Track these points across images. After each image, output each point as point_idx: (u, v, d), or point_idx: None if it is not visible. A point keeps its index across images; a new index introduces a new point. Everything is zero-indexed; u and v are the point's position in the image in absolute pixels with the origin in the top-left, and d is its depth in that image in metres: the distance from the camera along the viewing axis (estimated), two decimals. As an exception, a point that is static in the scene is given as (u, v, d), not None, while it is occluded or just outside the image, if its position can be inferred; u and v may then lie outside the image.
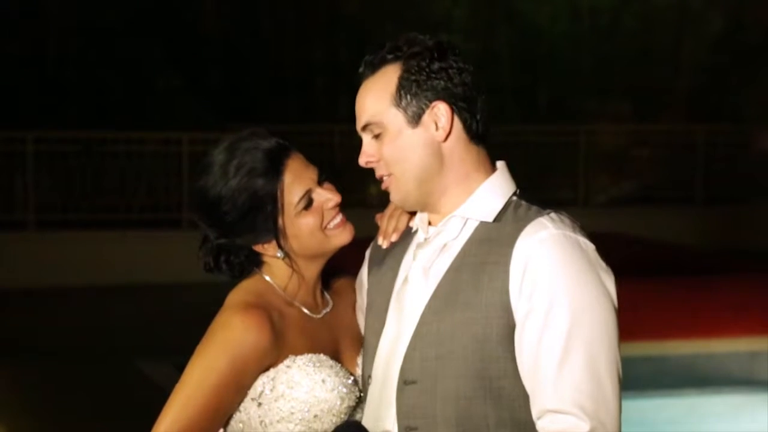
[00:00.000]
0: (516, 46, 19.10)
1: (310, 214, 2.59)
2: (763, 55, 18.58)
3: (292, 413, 2.53)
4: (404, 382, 2.43)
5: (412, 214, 2.60)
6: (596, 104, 19.11)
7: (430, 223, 2.53)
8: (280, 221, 2.57)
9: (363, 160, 2.49)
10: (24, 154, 13.89)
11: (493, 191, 2.47)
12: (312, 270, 2.64)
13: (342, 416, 2.56)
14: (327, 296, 2.71)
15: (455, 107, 2.43)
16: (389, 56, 2.45)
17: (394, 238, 2.60)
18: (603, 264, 2.40)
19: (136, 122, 16.03)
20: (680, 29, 19.65)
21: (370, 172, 2.50)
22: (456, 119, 2.44)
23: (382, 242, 2.61)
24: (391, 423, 2.45)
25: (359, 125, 2.48)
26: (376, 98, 2.45)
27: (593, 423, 2.31)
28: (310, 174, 2.60)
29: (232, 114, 16.71)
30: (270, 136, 2.61)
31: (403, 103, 2.43)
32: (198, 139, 14.03)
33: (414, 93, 2.42)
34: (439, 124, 2.43)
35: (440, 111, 2.43)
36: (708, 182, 16.46)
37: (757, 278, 11.72)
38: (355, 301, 2.75)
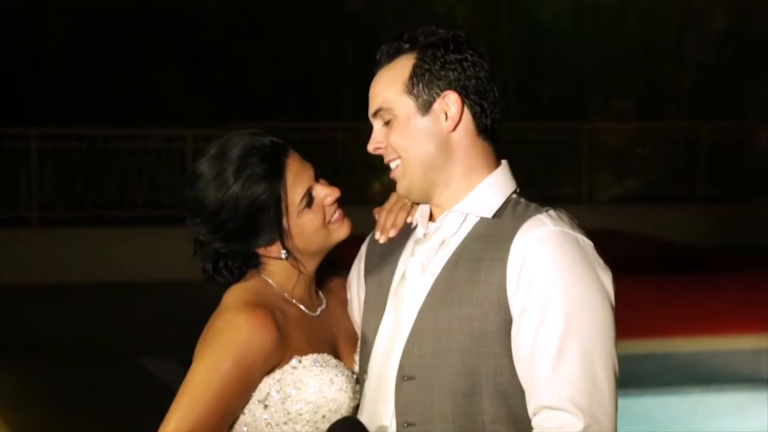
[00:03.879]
0: (519, 44, 19.09)
1: (312, 211, 2.57)
2: (766, 53, 18.56)
3: (300, 414, 2.50)
4: (403, 378, 2.43)
5: (412, 209, 2.59)
6: (600, 102, 19.10)
7: (431, 219, 2.52)
8: (284, 222, 2.55)
9: (371, 146, 2.49)
10: (28, 150, 13.87)
11: (494, 187, 2.47)
12: (311, 267, 2.62)
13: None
14: (321, 294, 2.69)
15: (466, 99, 2.44)
16: (405, 45, 2.46)
17: (392, 233, 2.58)
18: (601, 261, 2.41)
19: (139, 119, 16.03)
20: (684, 26, 19.63)
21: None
22: (466, 111, 2.44)
23: (380, 237, 2.59)
24: (389, 418, 2.45)
25: (370, 111, 2.50)
26: (389, 85, 2.46)
27: (587, 420, 2.31)
28: (309, 171, 2.58)
29: (235, 111, 16.71)
30: (264, 135, 2.58)
31: (415, 90, 2.44)
32: (202, 136, 14.01)
33: (426, 81, 2.43)
34: (449, 114, 2.44)
35: (450, 100, 2.43)
36: (711, 180, 16.44)
37: (760, 276, 11.72)
38: (346, 299, 2.73)
